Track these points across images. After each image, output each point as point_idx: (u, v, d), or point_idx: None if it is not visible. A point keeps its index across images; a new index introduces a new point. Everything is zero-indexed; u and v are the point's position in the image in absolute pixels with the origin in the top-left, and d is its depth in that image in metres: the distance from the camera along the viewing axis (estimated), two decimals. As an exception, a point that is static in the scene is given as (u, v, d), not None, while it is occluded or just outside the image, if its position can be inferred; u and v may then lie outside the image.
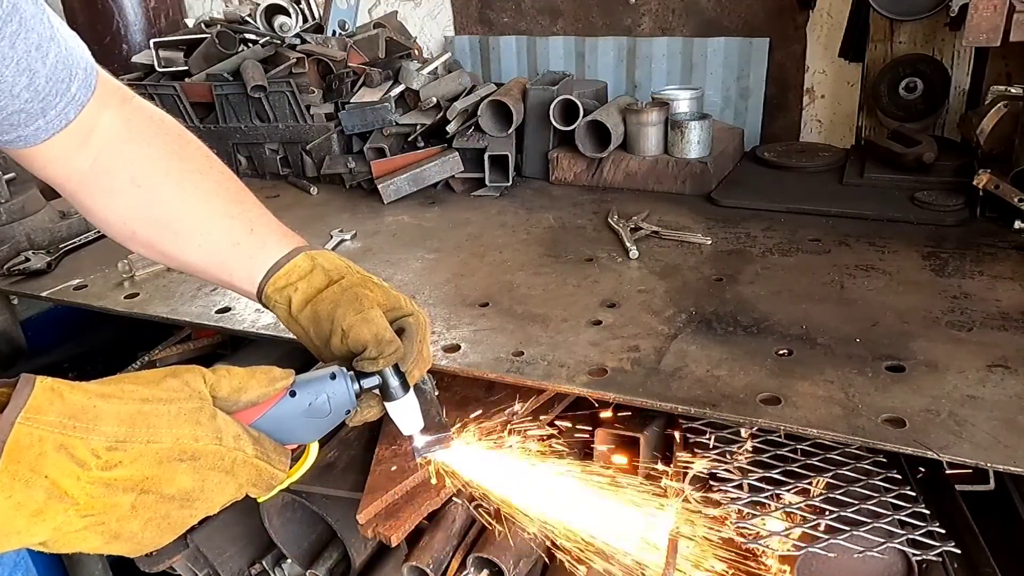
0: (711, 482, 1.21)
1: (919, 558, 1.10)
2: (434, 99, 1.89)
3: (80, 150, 0.84)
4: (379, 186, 1.79)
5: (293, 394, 0.74)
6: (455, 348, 1.14)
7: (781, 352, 1.07)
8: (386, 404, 0.82)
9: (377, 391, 0.80)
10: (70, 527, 0.59)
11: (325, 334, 0.83)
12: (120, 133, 0.85)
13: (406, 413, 0.83)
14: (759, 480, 1.20)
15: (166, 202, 0.87)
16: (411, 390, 0.82)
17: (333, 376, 0.77)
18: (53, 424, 0.58)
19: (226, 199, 0.89)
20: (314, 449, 0.79)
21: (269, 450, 0.70)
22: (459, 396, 1.29)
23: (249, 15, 2.12)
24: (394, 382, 0.80)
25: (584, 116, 1.75)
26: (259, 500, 0.75)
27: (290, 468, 0.74)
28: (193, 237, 0.87)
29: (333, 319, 0.82)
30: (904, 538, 1.10)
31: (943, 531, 1.12)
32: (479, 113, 1.81)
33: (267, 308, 0.88)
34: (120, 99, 0.86)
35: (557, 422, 1.25)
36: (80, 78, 0.79)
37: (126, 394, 0.62)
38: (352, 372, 0.78)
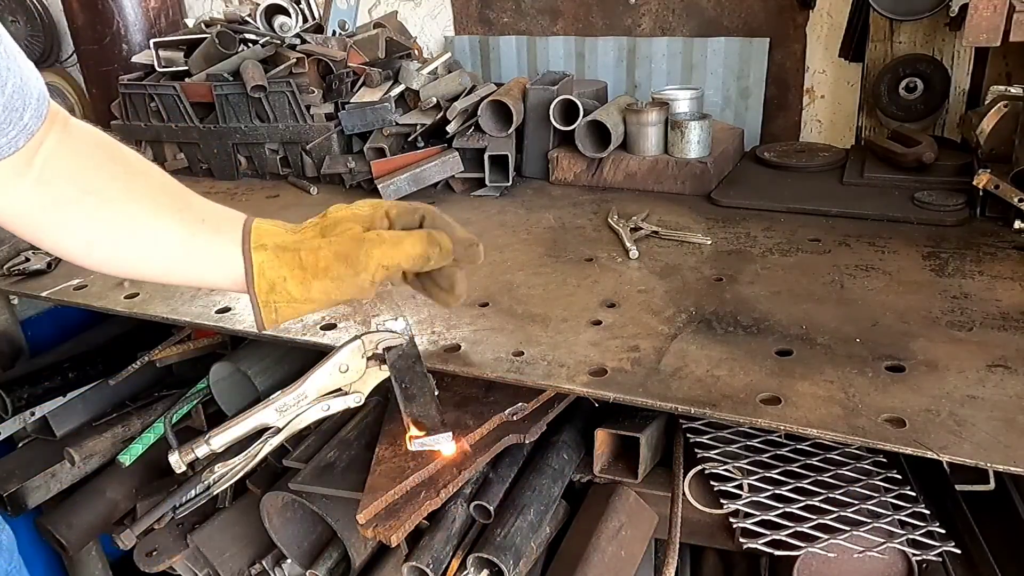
0: (711, 482, 1.21)
1: (919, 558, 1.10)
2: (434, 99, 1.89)
3: (24, 172, 0.84)
4: (379, 186, 1.79)
5: None
6: (455, 348, 1.14)
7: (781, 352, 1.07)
8: None
9: None
10: None
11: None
12: (64, 150, 0.87)
13: None
14: (759, 480, 1.20)
15: (116, 203, 0.88)
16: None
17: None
18: None
19: (172, 196, 0.91)
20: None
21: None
22: (459, 396, 1.29)
23: (249, 15, 2.12)
24: None
25: (584, 116, 1.75)
26: None
27: None
28: (148, 237, 0.89)
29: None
30: (904, 538, 1.10)
31: (943, 531, 1.12)
32: (479, 113, 1.81)
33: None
34: (62, 122, 0.88)
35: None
36: (33, 107, 0.80)
37: None
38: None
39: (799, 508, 1.15)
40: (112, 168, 0.89)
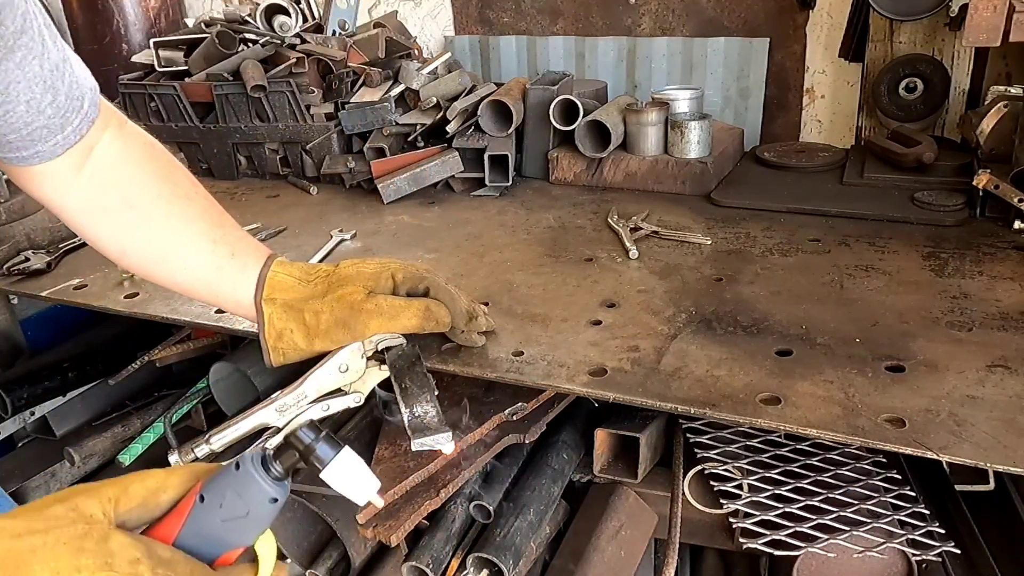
0: (711, 482, 1.21)
1: (919, 558, 1.10)
2: (434, 99, 1.89)
3: (81, 168, 0.89)
4: (379, 186, 1.79)
5: (202, 499, 0.62)
6: (455, 348, 1.13)
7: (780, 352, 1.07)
8: (323, 477, 0.67)
9: (302, 464, 0.66)
10: None
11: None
12: (119, 154, 0.92)
13: (349, 476, 0.69)
14: (759, 480, 1.20)
15: (156, 225, 0.93)
16: (345, 447, 0.69)
17: (237, 467, 0.63)
18: None
19: (209, 224, 0.96)
20: (266, 548, 0.66)
21: (180, 572, 0.60)
22: (459, 396, 1.29)
23: (249, 15, 2.12)
24: (319, 445, 0.66)
25: (584, 116, 1.75)
26: None
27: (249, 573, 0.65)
28: (179, 260, 0.95)
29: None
30: (904, 538, 1.10)
31: (943, 531, 1.12)
32: (479, 113, 1.80)
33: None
34: (118, 122, 0.93)
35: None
36: (89, 98, 0.86)
37: None
38: (268, 451, 0.65)
39: (799, 508, 1.15)
40: (159, 187, 0.94)
